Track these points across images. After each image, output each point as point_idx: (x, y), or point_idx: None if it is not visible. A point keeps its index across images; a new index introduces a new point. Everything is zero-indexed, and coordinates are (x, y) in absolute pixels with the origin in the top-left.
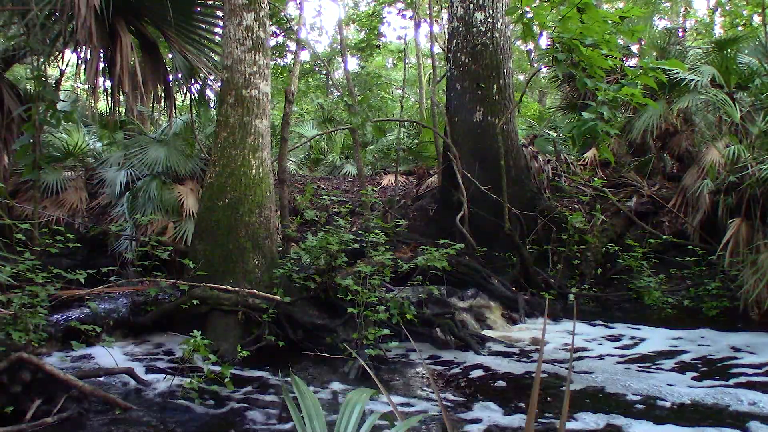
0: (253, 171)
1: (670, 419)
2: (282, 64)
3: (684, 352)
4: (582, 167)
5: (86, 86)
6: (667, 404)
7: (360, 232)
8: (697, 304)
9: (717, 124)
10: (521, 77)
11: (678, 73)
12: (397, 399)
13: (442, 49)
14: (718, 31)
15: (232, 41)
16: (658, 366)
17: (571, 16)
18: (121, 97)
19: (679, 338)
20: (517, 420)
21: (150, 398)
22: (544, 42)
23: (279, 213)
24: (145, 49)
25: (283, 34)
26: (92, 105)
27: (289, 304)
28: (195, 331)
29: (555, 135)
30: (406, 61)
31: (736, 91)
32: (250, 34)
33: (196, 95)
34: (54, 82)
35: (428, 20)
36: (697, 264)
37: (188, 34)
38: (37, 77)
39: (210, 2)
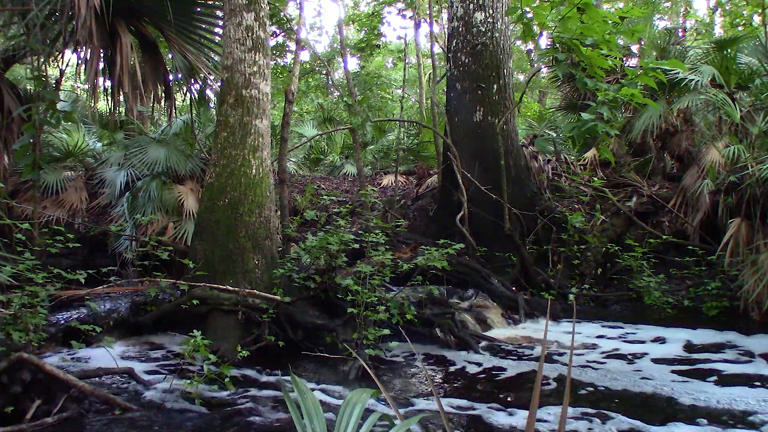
0: (253, 171)
1: None
2: (282, 64)
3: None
4: (582, 167)
5: (86, 86)
6: None
7: (360, 232)
8: (697, 304)
9: (717, 124)
10: (521, 77)
11: (678, 73)
12: (396, 399)
13: (442, 49)
14: (718, 31)
15: (232, 41)
16: None
17: (571, 16)
18: (121, 97)
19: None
20: (517, 420)
21: (150, 398)
22: (544, 42)
23: (279, 213)
24: (145, 49)
25: (283, 34)
26: (92, 105)
27: (289, 304)
28: (195, 331)
29: (555, 135)
30: (406, 61)
31: (736, 91)
32: (250, 34)
33: (196, 95)
34: (54, 82)
35: (428, 20)
36: (697, 264)
37: (188, 34)
38: (37, 77)
39: (210, 2)
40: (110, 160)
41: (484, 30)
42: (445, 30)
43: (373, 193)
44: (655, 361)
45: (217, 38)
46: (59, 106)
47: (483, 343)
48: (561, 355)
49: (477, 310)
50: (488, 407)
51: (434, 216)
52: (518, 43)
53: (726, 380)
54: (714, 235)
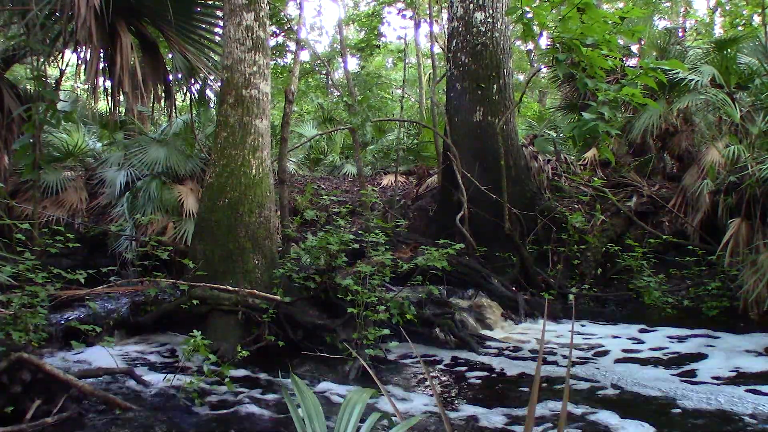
0: (253, 171)
1: None
2: (282, 64)
3: None
4: (582, 167)
5: (86, 86)
6: None
7: (360, 232)
8: (697, 304)
9: (717, 124)
10: (521, 77)
11: (678, 73)
12: (397, 399)
13: (442, 49)
14: (718, 31)
15: (232, 41)
16: None
17: (571, 16)
18: (121, 97)
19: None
20: (517, 420)
21: (150, 398)
22: (544, 42)
23: (279, 213)
24: (145, 49)
25: (283, 34)
26: (92, 105)
27: (289, 304)
28: (195, 331)
29: (555, 135)
30: (406, 61)
31: (736, 91)
32: (250, 34)
33: (196, 95)
34: (54, 82)
35: (428, 20)
36: (697, 264)
37: (188, 34)
38: (37, 77)
39: (210, 2)
40: (110, 160)
41: (484, 30)
42: (445, 30)
43: (373, 193)
44: None
45: (217, 38)
46: (59, 106)
47: (483, 343)
48: (584, 355)
49: (477, 310)
50: (488, 407)
51: (434, 216)
52: (518, 43)
53: None
54: (714, 235)
